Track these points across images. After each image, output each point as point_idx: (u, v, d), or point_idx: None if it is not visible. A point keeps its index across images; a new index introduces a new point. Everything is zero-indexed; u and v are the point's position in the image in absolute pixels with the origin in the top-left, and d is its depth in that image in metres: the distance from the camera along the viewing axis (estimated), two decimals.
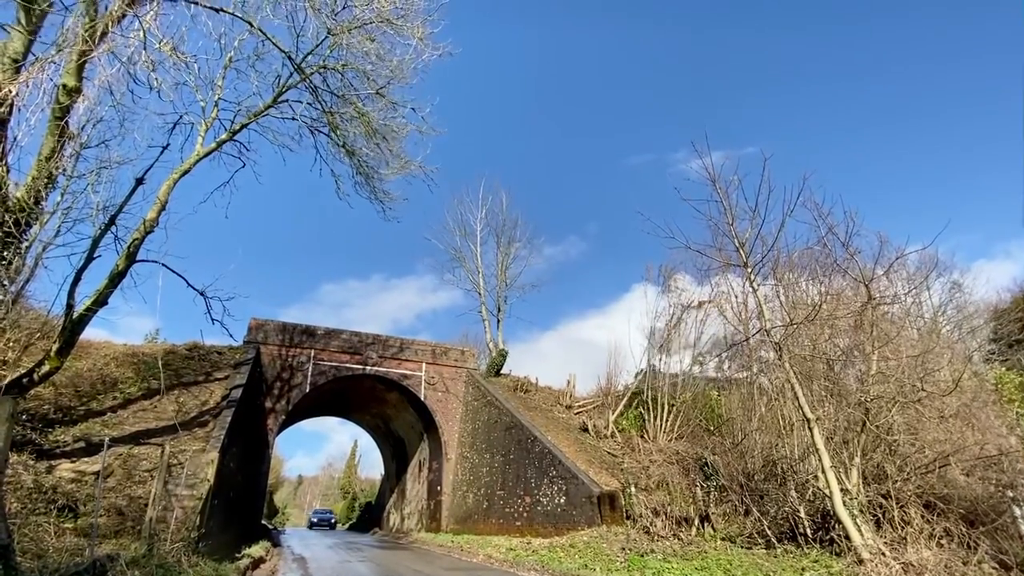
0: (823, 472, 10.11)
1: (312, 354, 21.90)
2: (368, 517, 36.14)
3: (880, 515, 10.13)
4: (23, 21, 9.13)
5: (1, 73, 8.78)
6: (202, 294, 13.24)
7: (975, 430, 10.93)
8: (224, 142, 12.77)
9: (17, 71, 9.07)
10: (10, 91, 8.71)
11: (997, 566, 8.72)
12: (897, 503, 9.94)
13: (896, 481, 10.20)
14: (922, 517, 9.68)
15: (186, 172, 12.00)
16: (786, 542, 10.88)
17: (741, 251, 11.84)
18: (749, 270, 11.86)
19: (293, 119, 13.79)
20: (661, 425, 20.12)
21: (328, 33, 12.18)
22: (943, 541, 9.22)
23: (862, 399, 10.78)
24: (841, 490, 9.88)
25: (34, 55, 9.33)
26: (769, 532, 11.11)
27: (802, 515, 10.89)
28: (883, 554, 9.03)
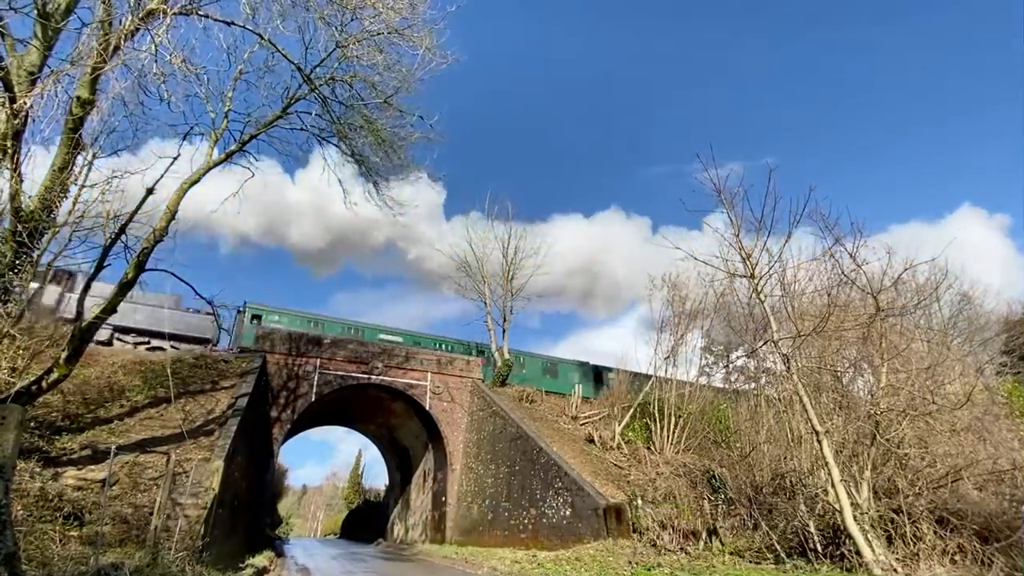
0: (833, 486, 9.97)
1: (318, 363, 21.93)
2: (372, 527, 35.92)
3: (892, 530, 9.96)
4: (39, 35, 9.32)
5: (17, 86, 8.95)
6: (210, 303, 13.33)
7: (987, 444, 10.77)
8: (233, 152, 12.91)
9: (33, 84, 9.24)
10: (25, 103, 8.88)
11: None
12: (909, 518, 9.77)
13: (908, 496, 10.03)
14: (935, 533, 9.50)
15: (196, 182, 12.12)
16: (796, 557, 10.70)
17: (747, 262, 11.80)
18: (756, 281, 11.80)
19: (302, 129, 13.94)
20: (668, 437, 19.95)
21: (337, 45, 12.35)
22: (956, 558, 9.04)
23: (872, 412, 10.65)
24: (851, 504, 9.74)
25: (49, 68, 9.51)
26: (778, 547, 10.94)
27: (812, 530, 10.72)
28: (895, 570, 8.88)
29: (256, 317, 23.42)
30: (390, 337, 26.74)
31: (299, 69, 12.52)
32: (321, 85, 13.06)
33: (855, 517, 9.54)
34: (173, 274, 11.65)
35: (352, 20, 12.18)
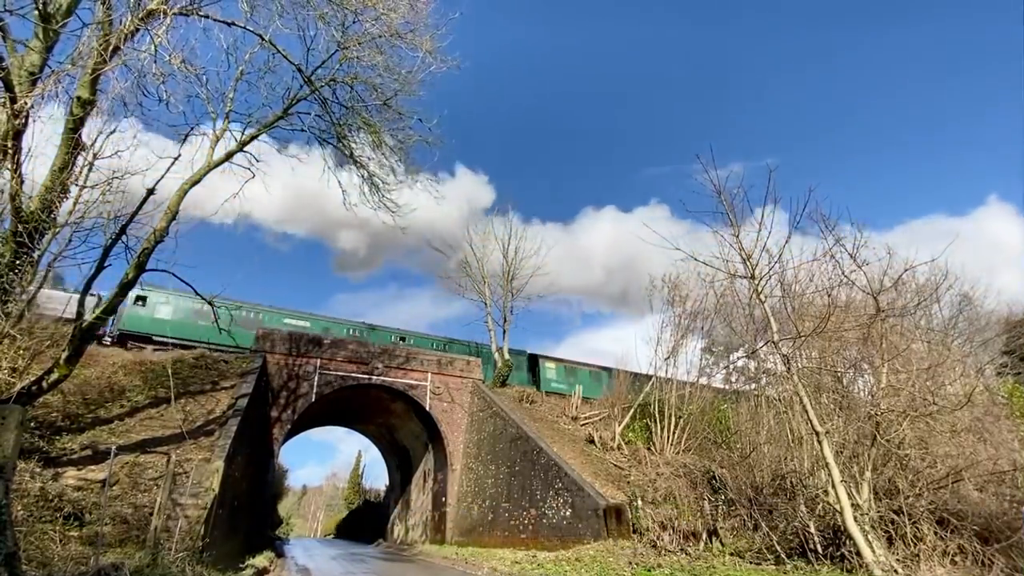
0: (833, 487, 9.96)
1: (318, 363, 21.93)
2: (372, 528, 35.95)
3: (892, 531, 9.95)
4: (40, 36, 9.33)
5: (18, 86, 8.95)
6: (210, 303, 13.34)
7: (988, 445, 10.76)
8: (234, 153, 12.92)
9: (33, 84, 9.24)
10: (26, 103, 8.88)
11: None
12: (909, 519, 9.76)
13: (908, 496, 10.03)
14: (935, 534, 9.49)
15: (196, 182, 12.13)
16: (796, 558, 10.69)
17: (748, 263, 11.79)
18: (756, 281, 11.79)
19: (302, 130, 13.96)
20: (668, 437, 19.93)
21: (338, 47, 12.36)
22: (957, 558, 9.04)
23: (872, 412, 10.64)
24: (852, 505, 9.73)
25: (50, 68, 9.52)
26: (778, 547, 10.94)
27: (812, 530, 10.71)
28: (896, 571, 8.87)
29: (140, 299, 22.02)
30: (296, 322, 25.10)
31: (300, 70, 12.54)
32: (322, 86, 13.07)
33: (855, 518, 9.53)
34: (174, 274, 11.67)
35: (354, 23, 12.22)
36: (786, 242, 11.70)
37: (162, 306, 22.37)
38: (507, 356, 27.18)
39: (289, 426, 20.90)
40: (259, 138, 13.32)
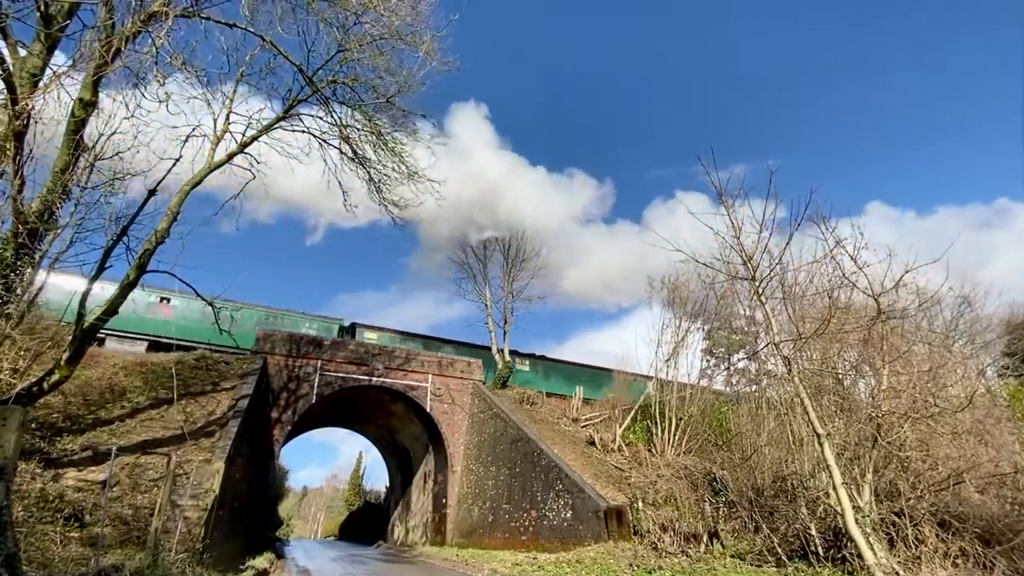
0: (834, 489, 9.94)
1: (319, 364, 21.92)
2: (372, 529, 35.93)
3: (893, 533, 9.93)
4: (42, 38, 9.34)
5: (20, 87, 8.96)
6: (211, 304, 13.34)
7: (989, 447, 10.75)
8: (235, 154, 12.93)
9: (35, 85, 9.25)
10: (28, 104, 8.89)
11: None
12: (911, 521, 9.74)
13: (909, 499, 10.01)
14: (937, 536, 9.47)
15: (197, 184, 12.14)
16: (797, 560, 10.67)
17: (748, 264, 11.78)
18: (756, 283, 11.78)
19: (303, 131, 13.96)
20: (669, 439, 19.92)
21: (339, 48, 12.39)
22: (958, 561, 9.02)
23: (873, 414, 10.62)
24: (853, 507, 9.71)
25: (51, 70, 9.53)
26: (779, 550, 10.92)
27: (813, 533, 10.69)
28: (897, 574, 8.85)
29: None
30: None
31: (301, 71, 12.55)
32: (323, 87, 13.09)
33: (857, 520, 9.51)
34: (174, 275, 11.67)
35: (355, 24, 12.24)
36: (787, 244, 11.71)
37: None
38: (507, 358, 27.18)
39: (290, 427, 20.89)
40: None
